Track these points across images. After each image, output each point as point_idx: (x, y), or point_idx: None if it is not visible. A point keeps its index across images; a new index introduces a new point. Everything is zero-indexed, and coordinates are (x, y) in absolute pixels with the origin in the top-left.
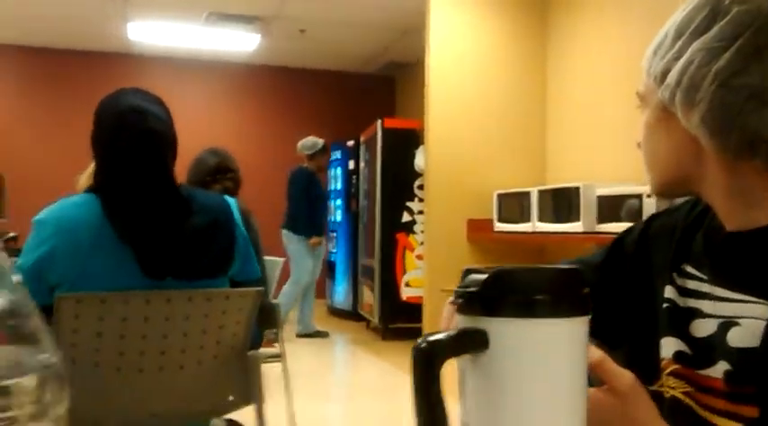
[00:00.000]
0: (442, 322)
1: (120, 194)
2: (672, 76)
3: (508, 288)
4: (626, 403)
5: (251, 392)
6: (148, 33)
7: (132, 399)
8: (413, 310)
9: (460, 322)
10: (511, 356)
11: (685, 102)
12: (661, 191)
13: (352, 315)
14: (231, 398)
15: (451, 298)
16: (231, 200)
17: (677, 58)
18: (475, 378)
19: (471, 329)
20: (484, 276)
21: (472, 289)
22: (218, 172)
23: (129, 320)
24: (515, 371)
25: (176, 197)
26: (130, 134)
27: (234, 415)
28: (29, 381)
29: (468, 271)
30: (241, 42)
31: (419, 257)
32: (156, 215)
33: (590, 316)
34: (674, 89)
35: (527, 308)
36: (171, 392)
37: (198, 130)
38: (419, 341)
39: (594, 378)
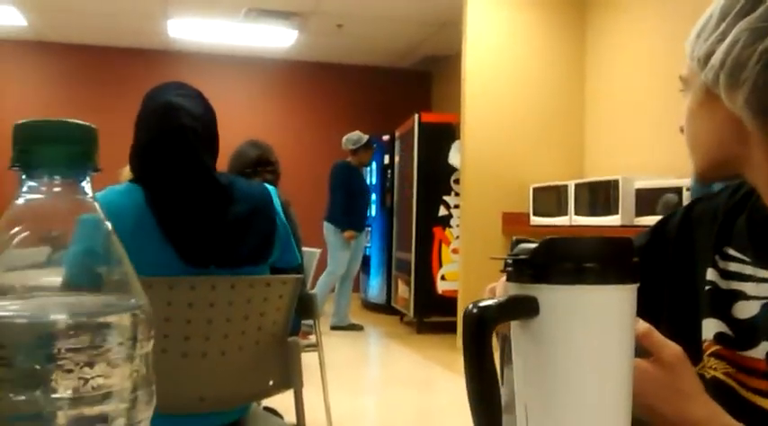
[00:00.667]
0: (486, 290)
1: (157, 185)
2: (716, 58)
3: (559, 256)
4: (672, 373)
5: (290, 377)
6: (188, 30)
7: (177, 383)
8: (448, 304)
9: (510, 289)
10: (560, 322)
11: (729, 82)
12: (704, 175)
13: (385, 308)
14: (271, 383)
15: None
16: (272, 189)
17: (721, 40)
18: (524, 345)
19: (522, 296)
20: (534, 244)
21: (523, 257)
22: (259, 164)
23: (173, 305)
24: (565, 338)
25: (215, 186)
26: (162, 130)
27: (272, 403)
28: (124, 319)
29: (519, 241)
30: (279, 38)
31: (455, 251)
32: (194, 204)
33: (638, 285)
34: (717, 70)
35: (577, 275)
36: (214, 377)
37: (236, 125)
38: (469, 306)
39: (640, 350)
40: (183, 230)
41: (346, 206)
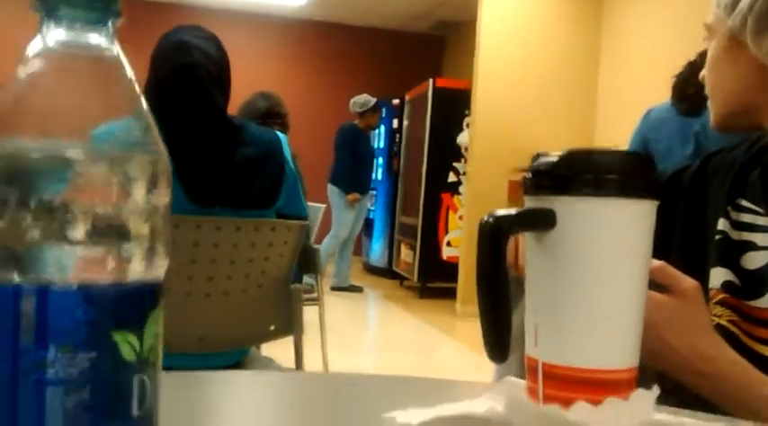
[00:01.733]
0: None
1: (169, 121)
2: (744, 2)
3: (579, 168)
4: (688, 305)
5: (291, 324)
6: None
7: (179, 322)
8: (452, 270)
9: (528, 202)
10: (577, 235)
11: (757, 28)
12: (723, 123)
13: (386, 272)
14: (272, 328)
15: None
16: (283, 136)
17: None
18: (538, 258)
19: (539, 207)
20: (555, 157)
21: (543, 169)
22: (268, 115)
23: (178, 243)
24: (581, 251)
25: (225, 126)
26: (174, 66)
27: (272, 355)
28: (144, 161)
29: (539, 155)
30: None
31: (462, 218)
32: (204, 142)
33: (658, 202)
34: (745, 14)
35: (597, 187)
36: (216, 317)
37: (246, 82)
38: (485, 216)
39: (653, 286)
40: (192, 168)
41: (351, 168)
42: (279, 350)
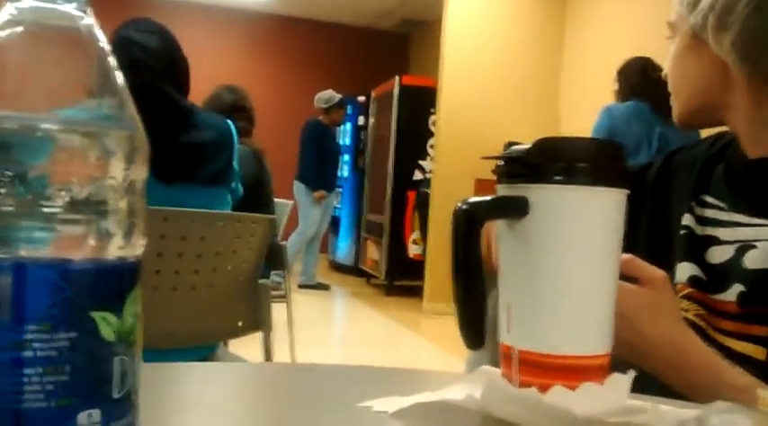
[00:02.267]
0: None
1: None
2: (705, 1)
3: (551, 155)
4: (657, 293)
5: (260, 319)
6: None
7: (146, 317)
8: (418, 267)
9: (500, 190)
10: (550, 223)
11: (718, 25)
12: (685, 120)
13: (353, 270)
14: (240, 323)
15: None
16: (231, 125)
17: None
18: (511, 245)
19: (512, 195)
20: (527, 145)
21: (515, 156)
22: (234, 109)
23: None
24: (553, 238)
25: (173, 112)
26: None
27: (241, 351)
28: (120, 136)
29: (511, 144)
30: None
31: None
32: (152, 127)
33: (629, 191)
34: (707, 13)
35: (569, 175)
36: (183, 312)
37: (210, 77)
38: (459, 204)
39: (623, 278)
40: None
41: (317, 165)
42: (245, 348)
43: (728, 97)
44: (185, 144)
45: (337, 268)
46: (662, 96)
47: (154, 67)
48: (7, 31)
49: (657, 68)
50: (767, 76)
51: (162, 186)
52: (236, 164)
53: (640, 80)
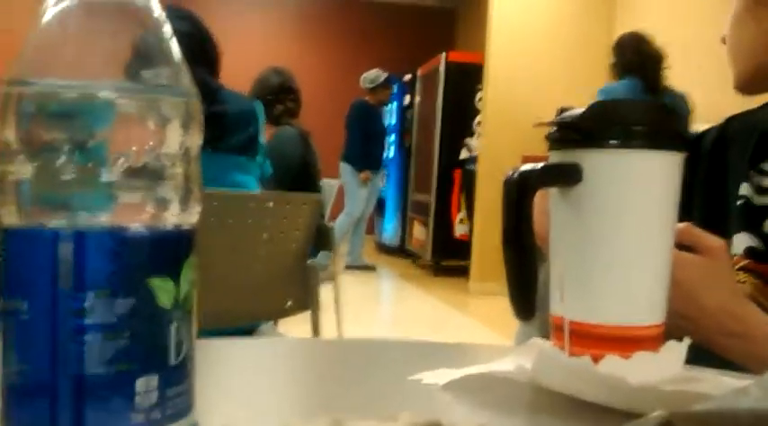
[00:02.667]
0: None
1: None
2: None
3: (606, 120)
4: (715, 262)
5: (308, 299)
6: None
7: (200, 294)
8: (465, 247)
9: (553, 157)
10: (604, 189)
11: None
12: (745, 85)
13: (399, 251)
14: (289, 303)
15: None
16: (259, 105)
17: None
18: (564, 214)
19: (565, 162)
20: (580, 110)
21: (568, 121)
22: (281, 91)
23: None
24: (608, 205)
25: (202, 92)
26: None
27: (290, 330)
28: (178, 103)
29: (564, 109)
30: None
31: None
32: None
33: (686, 155)
34: None
35: (624, 139)
36: (233, 292)
37: (258, 61)
38: (510, 172)
39: (679, 247)
40: None
41: (363, 146)
42: (295, 327)
43: None
44: (210, 113)
45: (383, 249)
46: (654, 72)
47: (184, 50)
48: (64, 3)
49: (651, 44)
50: None
51: None
52: (262, 140)
53: (634, 56)
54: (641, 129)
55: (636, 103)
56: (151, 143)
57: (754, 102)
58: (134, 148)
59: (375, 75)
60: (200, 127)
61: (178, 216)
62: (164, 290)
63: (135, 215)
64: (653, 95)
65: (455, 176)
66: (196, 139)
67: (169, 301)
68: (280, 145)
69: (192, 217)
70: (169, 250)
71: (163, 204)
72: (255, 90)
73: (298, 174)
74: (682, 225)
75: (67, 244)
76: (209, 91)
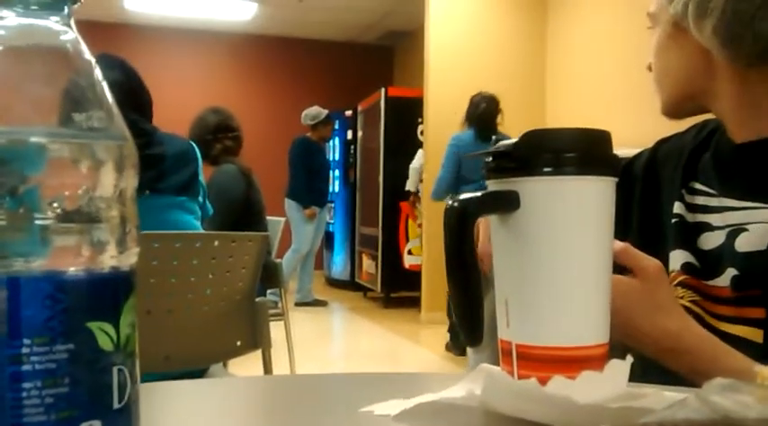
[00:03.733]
0: (480, 238)
1: None
2: None
3: (539, 148)
4: (651, 286)
5: (258, 338)
6: (144, 2)
7: (142, 341)
8: (414, 278)
9: (491, 186)
10: (541, 215)
11: (698, 12)
12: (671, 109)
13: (349, 284)
14: (239, 343)
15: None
16: (194, 144)
17: None
18: (504, 240)
19: (503, 189)
20: (515, 139)
21: (503, 151)
22: (219, 130)
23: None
24: (545, 230)
25: (136, 135)
26: None
27: (240, 370)
28: (110, 146)
29: (498, 139)
30: (238, 11)
31: (421, 226)
32: None
33: (617, 179)
34: (687, 1)
35: (558, 166)
36: (180, 335)
37: (195, 101)
38: (450, 201)
39: (617, 269)
40: None
41: (307, 182)
42: (245, 367)
43: (712, 84)
44: (149, 155)
45: (333, 283)
46: (488, 124)
47: (117, 98)
48: None
49: (491, 102)
50: (749, 60)
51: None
52: (202, 180)
53: (475, 111)
54: (573, 156)
55: (567, 132)
56: (85, 186)
57: (682, 124)
58: (67, 192)
59: (316, 112)
60: (134, 168)
61: (115, 258)
62: (104, 334)
63: (71, 259)
64: (486, 141)
65: (401, 208)
66: (131, 181)
67: (110, 344)
68: (221, 183)
69: (130, 259)
70: (108, 292)
71: (99, 247)
72: (194, 130)
73: (241, 212)
74: (620, 245)
75: (1, 290)
76: (144, 133)
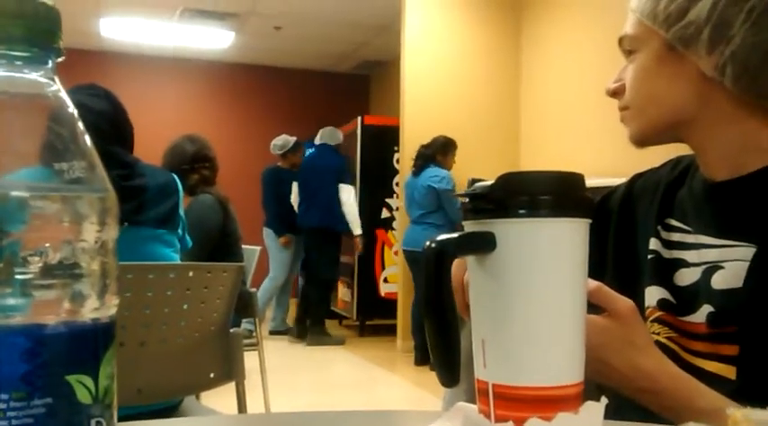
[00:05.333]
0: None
1: None
2: (697, 13)
3: (514, 191)
4: (625, 325)
5: (232, 369)
6: (121, 30)
7: (120, 371)
8: (390, 306)
9: (468, 227)
10: (516, 256)
11: (714, 38)
12: (646, 138)
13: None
14: (212, 375)
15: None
16: (175, 176)
17: None
18: (481, 280)
19: (479, 231)
20: (491, 181)
21: (480, 193)
22: (196, 160)
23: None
24: (520, 271)
25: (119, 166)
26: None
27: (214, 402)
28: (92, 199)
29: (474, 180)
30: (215, 39)
31: (397, 253)
32: None
33: (590, 220)
34: (701, 25)
35: (532, 208)
36: (153, 367)
37: (171, 128)
38: (428, 242)
39: (591, 308)
40: None
41: (280, 211)
42: (219, 398)
43: (705, 113)
44: (129, 187)
45: None
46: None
47: (103, 128)
48: None
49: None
50: (761, 92)
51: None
52: (182, 213)
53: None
54: (547, 199)
55: (542, 175)
56: (66, 240)
57: (656, 151)
58: (49, 246)
59: (283, 141)
60: (116, 219)
61: (96, 310)
62: (83, 386)
63: (51, 312)
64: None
65: (377, 236)
66: (112, 233)
67: (89, 397)
68: (199, 214)
69: (110, 310)
70: (88, 345)
71: (80, 299)
72: (169, 159)
73: (218, 242)
74: (592, 285)
75: None
76: (127, 165)
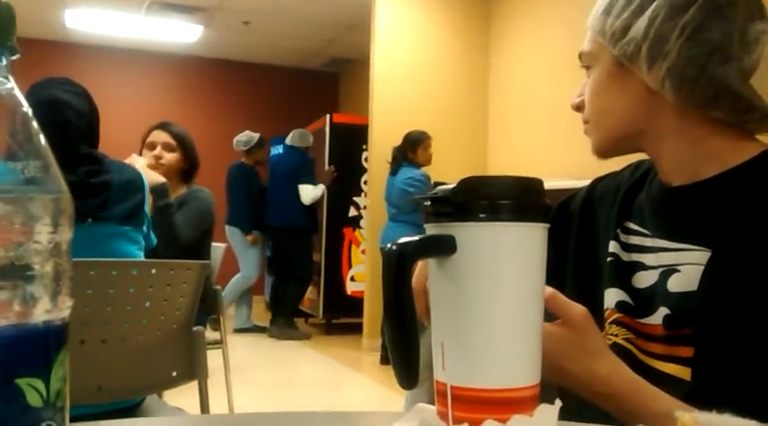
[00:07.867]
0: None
1: None
2: (636, 30)
3: (475, 195)
4: (579, 332)
5: (195, 368)
6: (87, 21)
7: (75, 372)
8: (357, 304)
9: (429, 230)
10: (476, 260)
11: (652, 54)
12: (605, 150)
13: None
14: (174, 373)
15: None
16: (145, 178)
17: (638, 14)
18: (441, 283)
19: (440, 234)
20: (452, 185)
21: (441, 197)
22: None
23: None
24: (480, 275)
25: (86, 162)
26: (44, 124)
27: (177, 401)
28: (46, 200)
29: (437, 184)
30: (183, 33)
31: (365, 252)
32: (66, 174)
33: (549, 225)
34: (639, 42)
35: (492, 213)
36: (114, 365)
37: (136, 122)
38: (388, 245)
39: (546, 315)
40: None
41: (246, 208)
42: (182, 396)
43: (653, 125)
44: (95, 183)
45: None
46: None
47: (83, 128)
48: None
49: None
50: (701, 103)
51: (76, 226)
52: (147, 210)
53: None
54: (507, 203)
55: (502, 179)
56: (18, 241)
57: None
58: (1, 247)
59: (248, 137)
60: (70, 221)
61: (48, 312)
62: (33, 390)
63: (1, 314)
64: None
65: (345, 234)
66: (67, 233)
67: (39, 400)
68: (206, 203)
69: (62, 312)
70: (39, 348)
71: (32, 301)
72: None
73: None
74: (547, 292)
75: None
76: (95, 161)
